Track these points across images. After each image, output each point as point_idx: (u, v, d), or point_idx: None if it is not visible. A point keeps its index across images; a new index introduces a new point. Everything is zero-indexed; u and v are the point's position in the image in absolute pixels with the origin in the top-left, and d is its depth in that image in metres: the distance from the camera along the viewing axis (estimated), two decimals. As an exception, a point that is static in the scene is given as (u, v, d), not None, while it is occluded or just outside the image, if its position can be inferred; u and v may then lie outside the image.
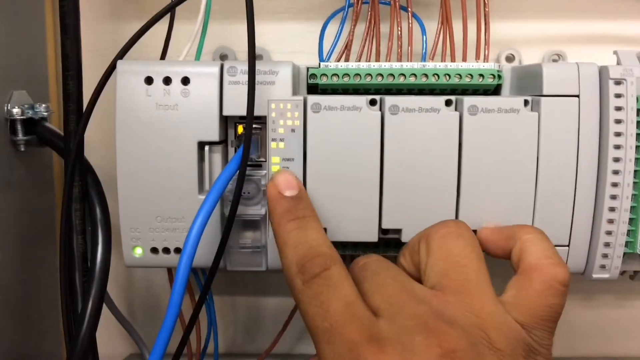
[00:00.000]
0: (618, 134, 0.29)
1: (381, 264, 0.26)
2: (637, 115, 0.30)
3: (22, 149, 0.34)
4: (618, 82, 0.29)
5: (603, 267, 0.30)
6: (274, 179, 0.28)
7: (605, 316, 0.43)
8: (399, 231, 0.31)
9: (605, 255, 0.30)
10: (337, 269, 0.24)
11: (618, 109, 0.29)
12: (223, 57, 0.40)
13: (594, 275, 0.31)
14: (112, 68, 0.30)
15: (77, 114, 0.31)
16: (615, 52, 0.32)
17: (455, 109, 0.31)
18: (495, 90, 0.34)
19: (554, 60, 0.39)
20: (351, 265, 0.27)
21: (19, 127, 0.34)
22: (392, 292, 0.24)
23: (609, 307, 0.43)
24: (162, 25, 0.35)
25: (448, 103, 0.30)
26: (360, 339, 0.22)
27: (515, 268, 0.26)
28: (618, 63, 0.32)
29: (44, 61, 0.39)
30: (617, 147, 0.29)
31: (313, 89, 0.34)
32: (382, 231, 0.32)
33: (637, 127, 0.30)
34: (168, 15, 0.35)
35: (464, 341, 0.22)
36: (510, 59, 0.39)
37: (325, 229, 0.31)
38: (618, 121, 0.29)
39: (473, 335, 0.22)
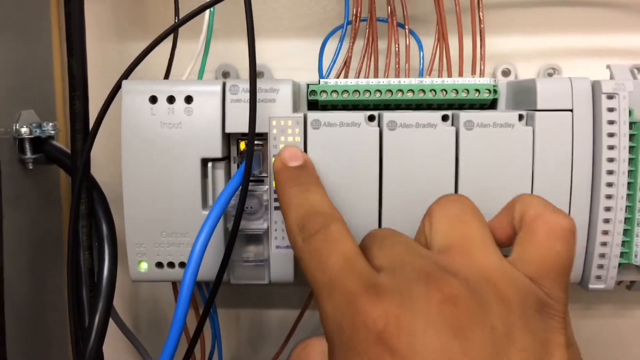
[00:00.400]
0: (611, 147, 0.30)
1: (391, 232, 0.26)
2: (630, 128, 0.30)
3: (31, 167, 0.35)
4: (610, 97, 0.30)
5: (599, 277, 0.31)
6: (280, 153, 0.30)
7: (605, 326, 0.44)
8: (398, 244, 0.32)
9: (600, 266, 0.31)
10: (337, 225, 0.25)
11: (611, 122, 0.30)
12: (225, 75, 0.41)
13: (591, 286, 0.31)
14: (117, 88, 0.31)
15: (83, 133, 0.32)
16: (608, 67, 0.33)
17: (452, 124, 0.31)
18: (492, 105, 0.34)
19: (549, 74, 0.40)
20: (364, 237, 0.27)
21: (27, 145, 0.35)
22: (397, 252, 0.24)
23: (608, 317, 0.44)
24: (166, 45, 0.36)
25: (445, 118, 0.31)
26: (358, 289, 0.22)
27: (518, 230, 0.25)
28: (611, 77, 0.33)
29: (50, 81, 0.40)
30: (610, 160, 0.30)
31: (313, 105, 0.35)
32: (382, 244, 0.32)
33: (630, 140, 0.30)
34: (171, 35, 0.36)
35: (466, 289, 0.21)
36: (506, 73, 0.40)
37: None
38: (611, 134, 0.30)
39: (479, 285, 0.22)
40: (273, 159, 0.31)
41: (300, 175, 0.28)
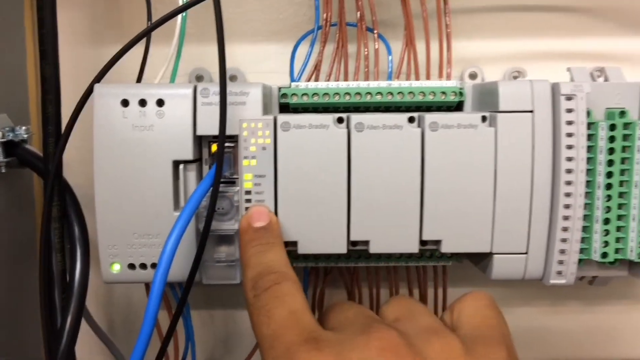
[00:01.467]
0: (570, 147, 0.31)
1: (350, 303, 0.28)
2: (588, 128, 0.32)
3: (3, 171, 0.35)
4: (569, 98, 0.31)
5: (559, 273, 0.32)
6: (247, 213, 0.31)
7: (571, 321, 0.45)
8: (367, 242, 0.33)
9: (561, 262, 0.32)
10: (288, 284, 0.26)
11: (569, 123, 0.31)
12: (199, 78, 0.41)
13: (551, 281, 0.32)
14: (89, 91, 0.32)
15: (55, 136, 0.32)
16: (568, 69, 0.34)
17: (418, 126, 0.32)
18: (458, 107, 0.35)
19: (515, 77, 0.41)
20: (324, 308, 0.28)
21: (0, 149, 0.35)
22: (348, 315, 0.26)
23: (574, 312, 0.45)
24: (140, 49, 0.36)
25: (411, 120, 0.32)
26: (298, 341, 0.22)
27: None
28: (571, 79, 0.34)
29: (24, 85, 0.40)
30: (569, 159, 0.31)
31: (285, 108, 0.35)
32: (351, 243, 0.33)
33: (588, 140, 0.32)
34: (145, 39, 0.37)
35: (406, 340, 0.22)
36: (473, 76, 0.41)
37: (296, 242, 0.32)
38: (570, 135, 0.31)
39: (418, 337, 0.23)
40: (244, 161, 0.32)
41: (263, 236, 0.29)
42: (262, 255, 0.28)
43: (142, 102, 0.32)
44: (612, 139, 0.32)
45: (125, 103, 0.32)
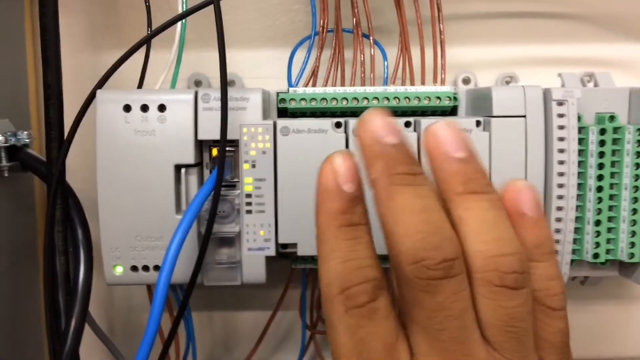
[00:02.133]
0: (561, 151, 0.32)
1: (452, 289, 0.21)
2: (579, 132, 0.32)
3: (6, 175, 0.36)
4: (560, 103, 0.32)
5: (553, 273, 0.33)
6: (332, 162, 0.22)
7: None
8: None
9: None
10: (384, 301, 0.22)
11: (561, 127, 0.32)
12: (197, 83, 0.42)
13: (545, 281, 0.33)
14: (91, 97, 0.32)
15: (58, 141, 0.33)
16: (559, 75, 0.35)
17: (414, 130, 0.33)
18: (453, 112, 0.36)
19: (507, 82, 0.42)
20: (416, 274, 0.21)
21: (2, 154, 0.36)
22: (446, 338, 0.21)
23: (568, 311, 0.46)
24: (140, 54, 0.37)
25: (407, 124, 0.33)
26: None
27: None
28: (562, 85, 0.35)
29: (25, 90, 0.41)
30: (561, 162, 0.32)
31: (283, 112, 0.36)
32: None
33: (579, 144, 0.32)
34: (145, 46, 0.38)
35: None
36: (466, 81, 0.42)
37: (296, 244, 0.33)
38: (561, 139, 0.32)
39: None
40: (245, 165, 0.32)
41: (354, 212, 0.22)
42: (355, 245, 0.22)
43: (144, 108, 0.32)
44: (602, 142, 0.33)
45: (127, 108, 0.32)
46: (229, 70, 0.42)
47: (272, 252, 0.33)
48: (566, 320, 0.23)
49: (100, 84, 0.33)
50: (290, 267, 0.37)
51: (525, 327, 0.21)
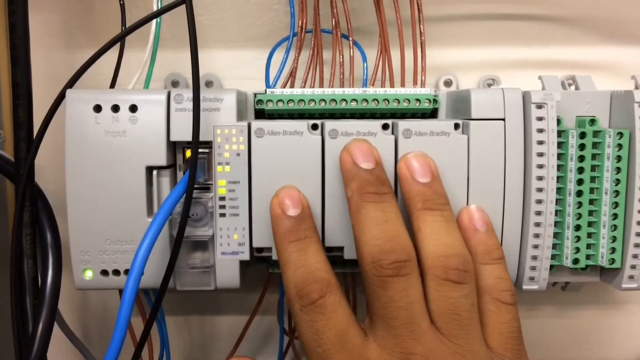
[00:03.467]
0: (540, 154, 0.31)
1: (408, 285, 0.27)
2: (559, 136, 0.32)
3: (-26, 176, 0.35)
4: (539, 106, 0.32)
5: (532, 278, 0.32)
6: (278, 195, 0.30)
7: (546, 326, 0.46)
8: (341, 249, 0.33)
9: (533, 268, 0.32)
10: (332, 297, 0.26)
11: (540, 131, 0.31)
12: (175, 84, 0.41)
13: (524, 287, 0.32)
14: (61, 97, 0.32)
15: (27, 141, 0.32)
16: (540, 77, 0.35)
17: (392, 133, 0.32)
18: (433, 114, 0.36)
19: (489, 85, 0.42)
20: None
21: (-29, 154, 0.35)
22: (398, 325, 0.26)
23: (549, 317, 0.45)
24: (115, 53, 0.36)
25: (385, 127, 0.32)
26: None
27: None
28: (543, 88, 0.34)
29: (-4, 90, 0.40)
30: (540, 166, 0.31)
31: (260, 114, 0.35)
32: (326, 249, 0.33)
33: (559, 148, 0.32)
34: (119, 44, 0.37)
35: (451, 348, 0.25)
36: (448, 83, 0.42)
37: (270, 248, 0.32)
38: (540, 142, 0.31)
39: None
40: (219, 167, 0.32)
41: (299, 229, 0.28)
42: (303, 254, 0.28)
43: (115, 108, 0.32)
44: (582, 146, 0.32)
45: (97, 109, 0.32)
46: (207, 70, 0.41)
47: (246, 256, 0.32)
48: (516, 314, 0.28)
49: (71, 83, 0.32)
50: (268, 271, 0.36)
51: (469, 317, 0.26)
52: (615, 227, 0.33)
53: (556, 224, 0.33)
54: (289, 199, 0.29)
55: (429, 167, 0.29)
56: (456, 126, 0.32)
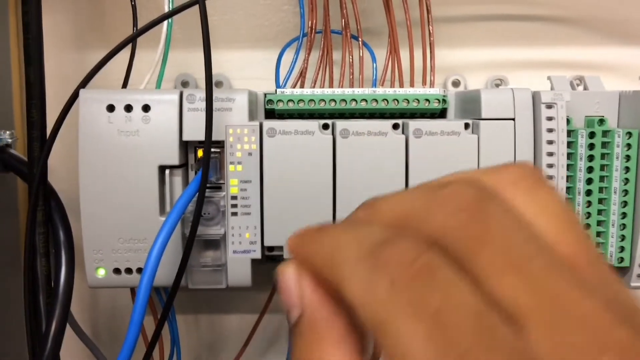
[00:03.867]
0: (550, 154, 0.32)
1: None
2: (568, 135, 0.32)
3: (-13, 175, 0.35)
4: (549, 106, 0.32)
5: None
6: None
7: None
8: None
9: None
10: None
11: (550, 130, 0.32)
12: (184, 84, 0.42)
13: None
14: (74, 97, 0.32)
15: (40, 141, 0.32)
16: (549, 78, 0.35)
17: (402, 132, 0.33)
18: (442, 114, 0.36)
19: (497, 85, 0.42)
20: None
21: (-16, 154, 0.35)
22: None
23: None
24: (126, 54, 0.36)
25: (395, 127, 0.32)
26: None
27: None
28: (552, 88, 0.34)
29: (8, 90, 0.40)
30: (550, 165, 0.32)
31: (270, 114, 0.36)
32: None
33: (568, 147, 0.32)
34: (130, 45, 0.37)
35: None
36: (456, 84, 0.42)
37: (282, 247, 0.33)
38: (550, 142, 0.32)
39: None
40: (230, 167, 0.32)
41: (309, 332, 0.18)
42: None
43: (128, 108, 0.32)
44: (591, 146, 0.33)
45: (111, 108, 0.32)
46: (217, 71, 0.42)
47: (257, 254, 0.33)
48: None
49: (84, 83, 0.32)
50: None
51: None
52: (624, 225, 0.33)
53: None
54: (286, 293, 0.18)
55: None
56: (466, 126, 0.32)
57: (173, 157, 0.32)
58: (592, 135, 0.33)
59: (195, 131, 0.32)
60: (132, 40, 0.33)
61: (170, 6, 0.35)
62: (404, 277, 0.14)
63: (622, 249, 0.33)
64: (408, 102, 0.35)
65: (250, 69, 0.42)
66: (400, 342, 0.14)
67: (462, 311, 0.13)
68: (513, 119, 0.32)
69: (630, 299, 0.14)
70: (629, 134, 0.32)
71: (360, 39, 0.38)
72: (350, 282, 0.14)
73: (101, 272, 0.33)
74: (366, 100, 0.35)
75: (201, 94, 0.32)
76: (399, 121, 0.33)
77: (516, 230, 0.14)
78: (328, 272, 0.15)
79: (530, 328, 0.13)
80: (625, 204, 0.33)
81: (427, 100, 0.35)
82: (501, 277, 0.13)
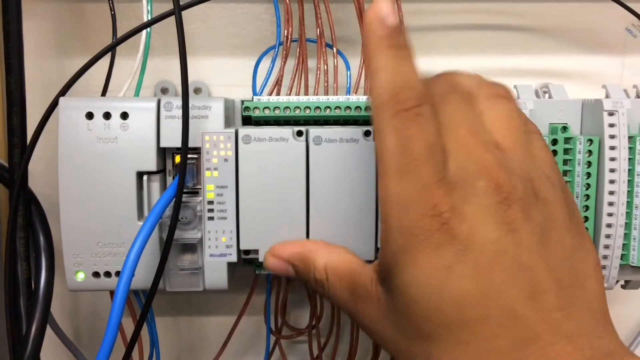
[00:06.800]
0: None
1: (464, 101, 0.26)
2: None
3: (-32, 181, 0.36)
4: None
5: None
6: (374, 6, 0.25)
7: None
8: (325, 251, 0.34)
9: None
10: (428, 108, 0.24)
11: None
12: (164, 91, 0.42)
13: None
14: (54, 104, 0.33)
15: (21, 147, 0.33)
16: (515, 86, 0.36)
17: (374, 139, 0.34)
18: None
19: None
20: (437, 79, 0.27)
21: (-36, 160, 0.36)
22: (463, 135, 0.24)
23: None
24: (106, 61, 0.37)
25: (367, 133, 0.34)
26: (432, 181, 0.23)
27: None
28: (518, 96, 0.36)
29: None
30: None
31: (247, 120, 0.37)
32: (310, 251, 0.34)
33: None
34: (110, 53, 0.38)
35: (522, 189, 0.23)
36: (429, 91, 0.43)
37: (257, 250, 0.34)
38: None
39: (540, 181, 0.24)
40: (207, 172, 0.33)
41: (399, 37, 0.25)
42: (401, 61, 0.24)
43: (107, 115, 0.33)
44: (554, 152, 0.34)
45: (90, 116, 0.33)
46: (195, 78, 0.43)
47: (234, 258, 0.34)
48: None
49: (64, 91, 0.33)
50: (254, 272, 0.37)
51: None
52: (586, 229, 0.34)
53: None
54: (386, 10, 0.25)
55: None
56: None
57: (151, 163, 0.33)
58: (554, 142, 0.34)
59: (172, 138, 0.33)
60: (111, 49, 0.34)
61: (149, 16, 0.36)
62: (402, 112, 0.23)
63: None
64: (380, 109, 0.36)
65: (228, 76, 0.43)
66: (382, 146, 0.24)
67: (423, 141, 0.23)
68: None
69: (529, 177, 0.24)
70: (590, 140, 0.34)
71: (334, 48, 0.39)
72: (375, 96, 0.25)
73: (81, 276, 0.33)
74: (340, 108, 0.36)
75: (178, 102, 0.33)
76: (371, 128, 0.34)
77: (474, 119, 0.25)
78: (369, 74, 0.25)
79: (451, 160, 0.23)
80: (587, 208, 0.34)
81: (399, 107, 0.36)
82: (454, 131, 0.24)
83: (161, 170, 0.34)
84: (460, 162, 0.24)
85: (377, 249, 0.34)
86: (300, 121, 0.36)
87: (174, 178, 0.35)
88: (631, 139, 0.34)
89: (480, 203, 0.22)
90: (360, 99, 0.36)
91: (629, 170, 0.34)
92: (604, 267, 0.34)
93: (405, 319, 0.23)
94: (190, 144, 0.32)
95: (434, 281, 0.22)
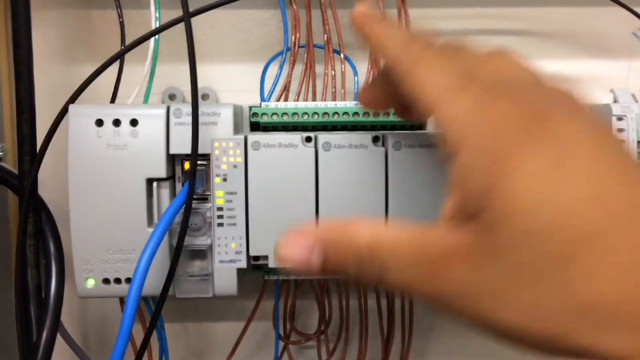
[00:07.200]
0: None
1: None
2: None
3: (-22, 188, 0.36)
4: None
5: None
6: (355, 8, 0.27)
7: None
8: (334, 256, 0.34)
9: None
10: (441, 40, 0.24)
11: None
12: (172, 97, 0.43)
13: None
14: (64, 111, 0.33)
15: (31, 155, 0.33)
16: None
17: (382, 145, 0.34)
18: (421, 126, 0.37)
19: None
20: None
21: (-25, 167, 0.36)
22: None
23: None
24: (114, 68, 0.37)
25: (375, 139, 0.34)
26: (492, 87, 0.21)
27: None
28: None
29: (0, 104, 0.41)
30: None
31: (255, 126, 0.37)
32: (320, 257, 0.34)
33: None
34: (118, 60, 0.38)
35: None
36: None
37: (267, 256, 0.34)
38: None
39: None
40: (216, 179, 0.33)
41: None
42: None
43: (116, 122, 0.33)
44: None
45: (99, 123, 0.33)
46: (203, 84, 0.43)
47: (243, 264, 0.34)
48: None
49: (73, 98, 0.33)
50: (263, 278, 0.37)
51: None
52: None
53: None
54: (363, 5, 0.27)
55: None
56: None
57: (160, 170, 0.33)
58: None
59: (181, 144, 0.33)
60: (119, 56, 0.34)
61: (158, 23, 0.36)
62: (428, 46, 0.23)
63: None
64: (388, 114, 0.36)
65: (236, 82, 0.43)
66: (421, 78, 0.22)
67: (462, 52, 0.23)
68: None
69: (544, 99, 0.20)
70: (599, 145, 0.34)
71: (342, 53, 0.39)
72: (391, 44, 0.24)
73: (91, 283, 0.34)
74: (348, 113, 0.36)
75: (187, 109, 0.33)
76: (379, 133, 0.34)
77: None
78: (378, 45, 0.25)
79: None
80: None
81: (407, 112, 0.36)
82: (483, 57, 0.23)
83: (171, 177, 0.34)
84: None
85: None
86: (308, 127, 0.36)
87: (183, 184, 0.35)
88: (640, 143, 0.34)
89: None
90: (368, 104, 0.36)
91: (639, 174, 0.34)
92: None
93: (517, 250, 0.17)
94: (200, 151, 0.32)
95: (546, 187, 0.17)
